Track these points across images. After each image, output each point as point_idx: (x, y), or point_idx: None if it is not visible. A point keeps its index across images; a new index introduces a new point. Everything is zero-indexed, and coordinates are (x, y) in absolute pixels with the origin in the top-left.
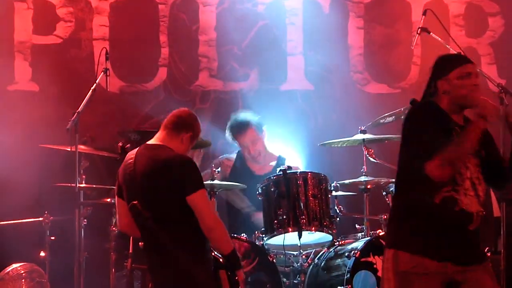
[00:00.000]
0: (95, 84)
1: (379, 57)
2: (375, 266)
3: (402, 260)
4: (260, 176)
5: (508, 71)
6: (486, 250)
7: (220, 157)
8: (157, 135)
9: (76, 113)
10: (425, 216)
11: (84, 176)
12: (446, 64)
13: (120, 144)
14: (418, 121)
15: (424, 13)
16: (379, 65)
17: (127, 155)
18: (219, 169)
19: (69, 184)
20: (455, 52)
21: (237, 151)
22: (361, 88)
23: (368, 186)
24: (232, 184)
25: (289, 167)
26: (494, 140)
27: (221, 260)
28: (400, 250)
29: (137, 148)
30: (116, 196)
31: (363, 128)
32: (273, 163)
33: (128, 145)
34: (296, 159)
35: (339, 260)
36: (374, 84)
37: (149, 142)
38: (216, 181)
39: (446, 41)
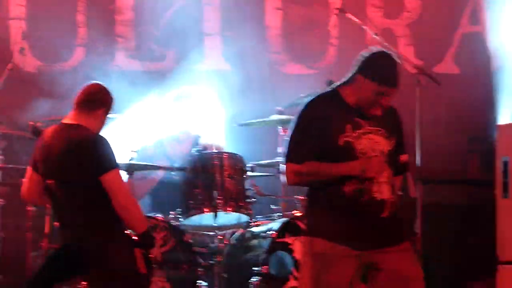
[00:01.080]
0: (11, 64)
1: (296, 38)
2: (290, 246)
3: (317, 244)
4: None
5: (426, 52)
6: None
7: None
8: (71, 113)
9: None
10: (336, 206)
11: (1, 156)
12: (374, 70)
13: (31, 123)
14: (298, 118)
15: None
16: (296, 46)
17: (43, 133)
18: (137, 150)
19: None
20: (392, 59)
21: (156, 141)
22: (278, 69)
23: None
24: (150, 165)
25: (205, 148)
26: (402, 132)
27: (135, 238)
28: (315, 236)
29: (53, 127)
30: (30, 167)
31: (280, 108)
32: (191, 143)
33: (40, 124)
34: (218, 137)
35: (255, 240)
36: (292, 65)
37: (64, 121)
38: (133, 161)
39: (363, 22)
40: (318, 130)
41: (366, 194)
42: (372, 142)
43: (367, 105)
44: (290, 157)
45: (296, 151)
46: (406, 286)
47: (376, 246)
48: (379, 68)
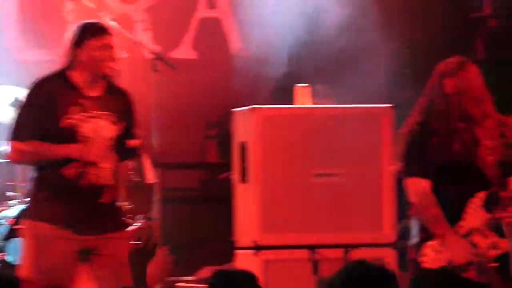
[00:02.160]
0: None
1: (32, 24)
2: None
3: (38, 227)
4: None
5: (163, 38)
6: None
7: None
8: None
9: None
10: (56, 189)
11: None
12: (83, 34)
13: None
14: (25, 98)
15: None
16: (33, 32)
17: None
18: None
19: None
20: (96, 21)
21: None
22: (16, 56)
23: None
24: None
25: None
26: (133, 117)
27: None
28: (36, 220)
29: None
30: None
31: None
32: None
33: None
34: None
35: None
36: (29, 52)
37: None
38: None
39: (99, 8)
40: (42, 109)
41: (85, 179)
42: (97, 127)
43: (95, 76)
44: (14, 135)
45: (20, 130)
46: (118, 272)
47: (96, 231)
48: (84, 29)
